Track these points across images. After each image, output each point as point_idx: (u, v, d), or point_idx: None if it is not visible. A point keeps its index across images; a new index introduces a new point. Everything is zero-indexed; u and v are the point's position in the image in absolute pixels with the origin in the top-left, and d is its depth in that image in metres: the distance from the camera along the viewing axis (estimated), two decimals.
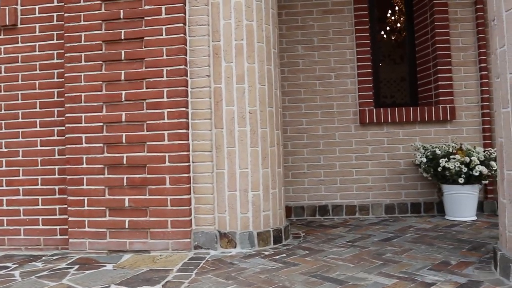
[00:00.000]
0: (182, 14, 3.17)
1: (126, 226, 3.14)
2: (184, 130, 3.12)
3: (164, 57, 3.16)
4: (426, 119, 4.19)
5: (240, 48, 3.21)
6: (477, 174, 3.72)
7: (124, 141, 3.17)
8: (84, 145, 3.21)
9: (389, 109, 4.21)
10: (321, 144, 4.28)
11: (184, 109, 3.13)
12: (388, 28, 4.95)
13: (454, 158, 3.78)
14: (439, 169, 3.81)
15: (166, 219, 3.11)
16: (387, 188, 4.23)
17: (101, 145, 3.19)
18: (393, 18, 4.95)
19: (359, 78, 4.27)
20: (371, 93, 4.25)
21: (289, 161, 4.29)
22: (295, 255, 2.94)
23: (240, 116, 3.18)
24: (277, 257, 2.91)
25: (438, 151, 3.87)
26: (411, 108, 4.21)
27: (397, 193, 4.23)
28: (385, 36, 4.95)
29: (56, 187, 3.33)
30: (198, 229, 3.15)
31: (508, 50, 2.29)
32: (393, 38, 4.95)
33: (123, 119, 3.18)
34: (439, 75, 4.22)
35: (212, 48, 3.23)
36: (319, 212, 4.25)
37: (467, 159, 3.76)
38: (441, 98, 4.22)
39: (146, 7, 3.20)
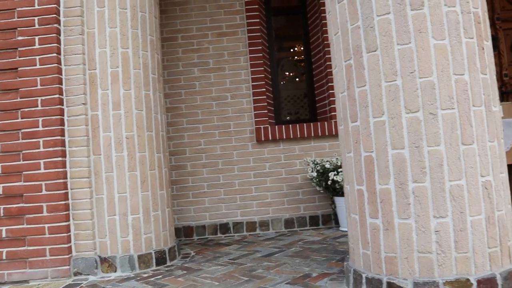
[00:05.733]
0: (55, 44, 3.22)
1: (4, 257, 3.12)
2: (60, 158, 3.15)
3: (39, 87, 3.20)
4: (320, 134, 4.35)
5: (116, 75, 3.28)
6: None
7: (0, 171, 3.17)
8: None
9: (283, 126, 4.36)
10: (220, 163, 4.37)
11: (59, 137, 3.16)
12: (296, 47, 5.14)
13: (342, 171, 3.93)
14: (329, 182, 3.96)
15: (44, 247, 3.12)
16: (286, 203, 4.35)
17: None
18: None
19: (254, 97, 4.40)
20: (266, 111, 4.39)
21: (189, 181, 4.36)
22: (171, 276, 2.99)
23: (117, 142, 3.24)
24: (152, 279, 2.96)
25: (327, 165, 4.02)
26: (304, 124, 4.37)
27: (296, 207, 4.36)
28: (290, 54, 5.13)
29: None
30: (78, 255, 3.17)
31: (339, 71, 2.44)
32: (296, 57, 5.14)
33: None
34: (331, 91, 4.40)
35: (88, 76, 3.28)
36: (220, 230, 4.32)
37: None
38: (334, 113, 4.40)
39: (20, 37, 3.24)
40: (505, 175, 2.21)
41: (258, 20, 4.49)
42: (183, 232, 4.33)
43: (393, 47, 2.13)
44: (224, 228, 4.32)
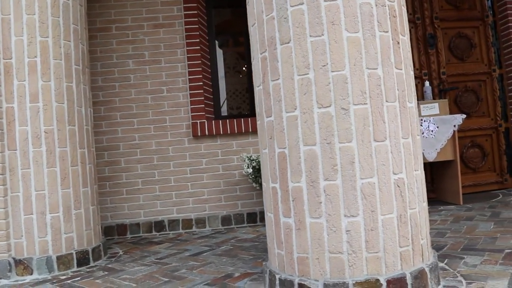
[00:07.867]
0: None
1: None
2: None
3: None
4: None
5: (34, 65, 3.08)
6: None
7: None
8: None
9: (220, 121, 4.25)
10: (155, 159, 4.22)
11: None
12: (238, 41, 5.03)
13: None
14: None
15: None
16: (223, 199, 4.25)
17: None
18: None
19: (191, 92, 4.26)
20: (203, 105, 4.26)
21: (123, 177, 4.19)
22: (90, 278, 2.84)
23: (35, 136, 3.05)
24: (69, 281, 2.80)
25: None
26: (242, 119, 4.27)
27: (233, 204, 4.26)
28: (233, 48, 5.02)
29: None
30: None
31: (255, 64, 2.34)
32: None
33: None
34: None
35: (3, 66, 3.07)
36: (155, 228, 4.18)
37: None
38: None
39: None
40: (419, 172, 2.18)
41: (196, 11, 4.34)
42: (116, 230, 4.16)
43: (306, 39, 2.04)
44: (159, 225, 4.18)
